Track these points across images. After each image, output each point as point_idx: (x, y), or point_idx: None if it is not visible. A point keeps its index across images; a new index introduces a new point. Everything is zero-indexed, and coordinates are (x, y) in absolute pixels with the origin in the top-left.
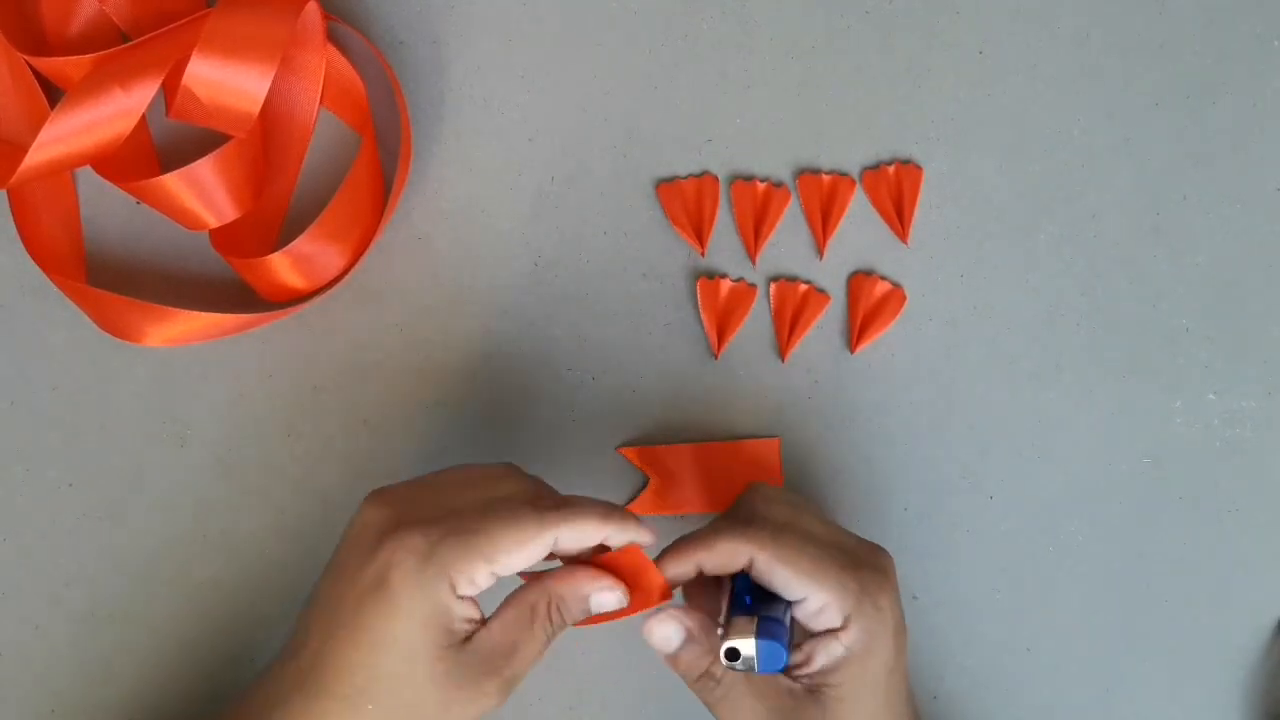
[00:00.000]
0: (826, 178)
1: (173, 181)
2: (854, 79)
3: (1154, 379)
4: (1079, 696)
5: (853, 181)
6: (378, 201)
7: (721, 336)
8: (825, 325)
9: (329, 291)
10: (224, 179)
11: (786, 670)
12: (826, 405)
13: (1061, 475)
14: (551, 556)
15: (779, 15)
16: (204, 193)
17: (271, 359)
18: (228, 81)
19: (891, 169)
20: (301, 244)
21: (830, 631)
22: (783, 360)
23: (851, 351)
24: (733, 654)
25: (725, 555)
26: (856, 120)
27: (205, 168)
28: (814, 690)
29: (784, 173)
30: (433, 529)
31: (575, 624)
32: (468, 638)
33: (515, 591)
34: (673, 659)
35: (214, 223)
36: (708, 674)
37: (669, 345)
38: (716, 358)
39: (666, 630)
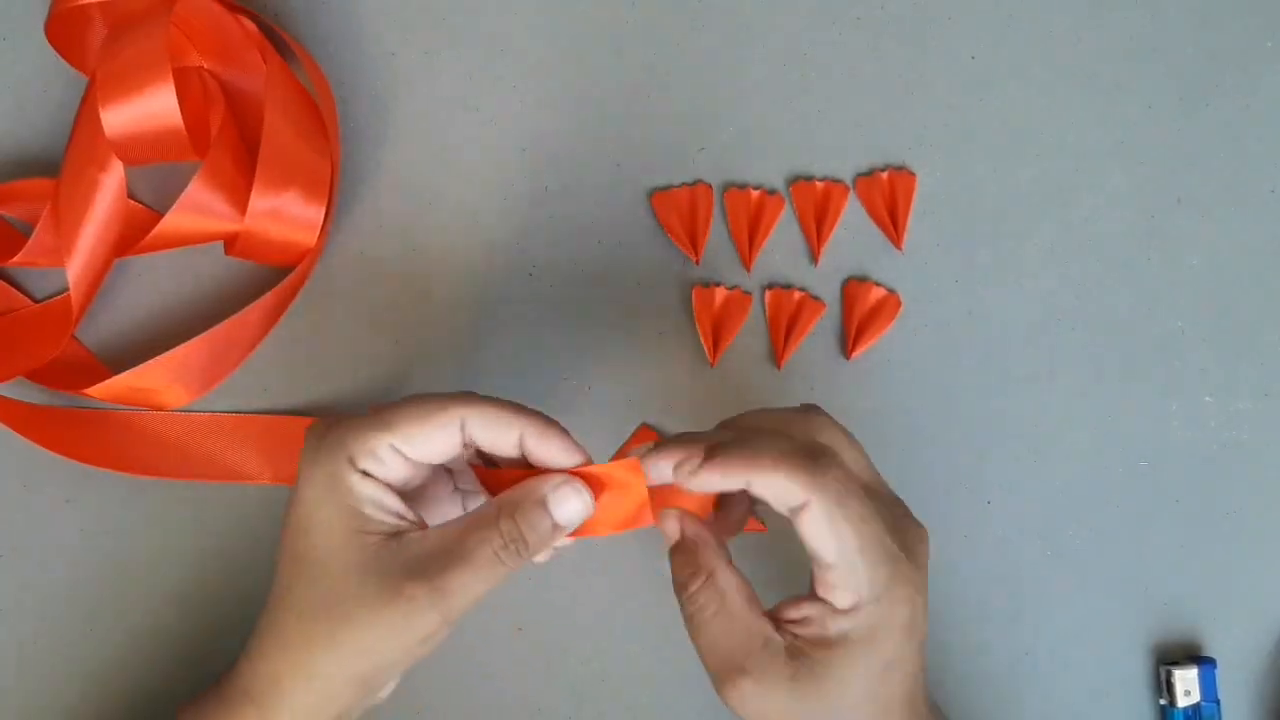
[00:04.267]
0: (820, 185)
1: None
2: (846, 86)
3: (1150, 382)
4: (1078, 701)
5: (846, 188)
6: (317, 138)
7: (717, 344)
8: (820, 332)
9: (323, 248)
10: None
11: (777, 620)
12: None
13: (1058, 479)
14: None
15: (771, 23)
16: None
17: (266, 368)
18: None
19: (885, 175)
20: (258, 200)
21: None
22: (778, 367)
23: (847, 358)
24: None
25: (779, 489)
26: (849, 127)
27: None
28: (793, 650)
29: (777, 180)
30: (340, 417)
31: (542, 546)
32: (396, 534)
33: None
34: (675, 548)
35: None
36: (698, 580)
37: (664, 354)
38: (712, 365)
39: (672, 524)
